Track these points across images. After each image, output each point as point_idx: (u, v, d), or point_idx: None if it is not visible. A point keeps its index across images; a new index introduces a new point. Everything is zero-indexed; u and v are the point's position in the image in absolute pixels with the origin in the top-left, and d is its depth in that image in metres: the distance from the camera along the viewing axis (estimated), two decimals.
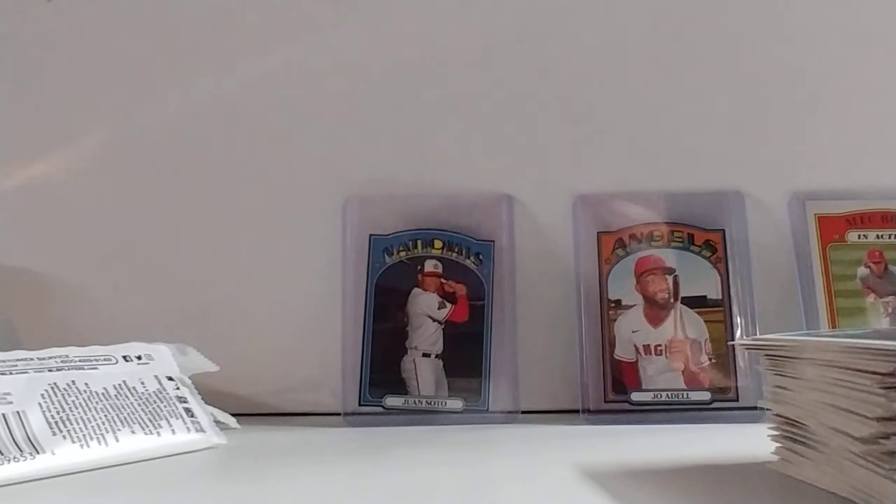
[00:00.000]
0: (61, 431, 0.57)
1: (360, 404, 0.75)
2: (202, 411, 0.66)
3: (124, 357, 0.66)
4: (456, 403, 0.75)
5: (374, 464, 0.60)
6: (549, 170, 0.81)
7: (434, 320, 0.77)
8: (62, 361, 0.62)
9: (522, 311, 0.78)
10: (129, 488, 0.54)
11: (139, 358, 0.67)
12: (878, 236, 0.77)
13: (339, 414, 0.76)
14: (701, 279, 0.76)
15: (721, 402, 0.73)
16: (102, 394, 0.62)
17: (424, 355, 0.76)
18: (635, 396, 0.74)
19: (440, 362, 0.76)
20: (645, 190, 0.80)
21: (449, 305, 0.77)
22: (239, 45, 0.83)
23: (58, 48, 0.84)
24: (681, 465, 0.55)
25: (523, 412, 0.76)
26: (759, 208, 0.79)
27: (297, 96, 0.82)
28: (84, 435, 0.58)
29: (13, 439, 0.55)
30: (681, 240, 0.78)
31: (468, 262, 0.79)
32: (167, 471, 0.58)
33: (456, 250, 0.79)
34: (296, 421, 0.78)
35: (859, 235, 0.77)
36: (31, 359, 0.61)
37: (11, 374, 0.59)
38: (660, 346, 0.75)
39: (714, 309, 0.76)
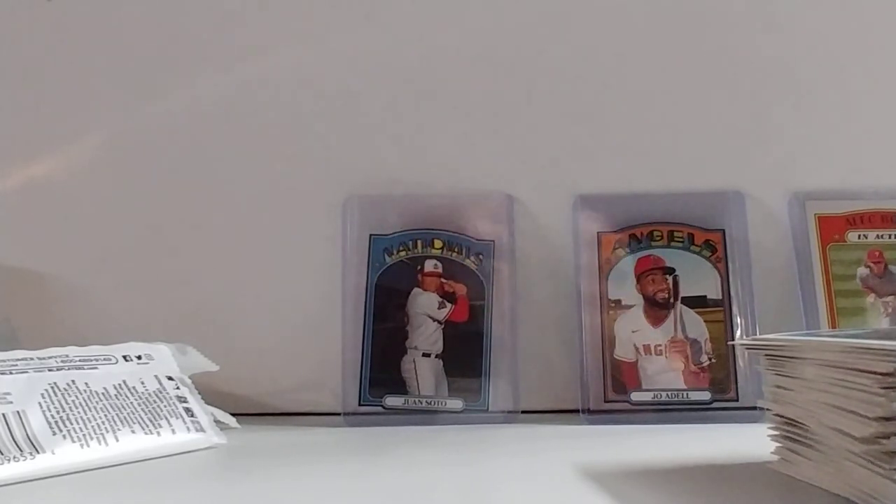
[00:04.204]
0: (61, 431, 0.57)
1: (360, 404, 0.75)
2: (202, 411, 0.66)
3: (124, 357, 0.66)
4: (456, 403, 0.75)
5: (374, 464, 0.60)
6: (549, 170, 0.81)
7: (434, 320, 0.77)
8: (62, 361, 0.62)
9: (522, 311, 0.78)
10: (129, 488, 0.54)
11: (139, 358, 0.67)
12: (878, 236, 0.77)
13: (339, 414, 0.76)
14: (701, 279, 0.76)
15: (721, 401, 0.73)
16: (102, 393, 0.62)
17: (424, 355, 0.76)
18: (635, 396, 0.74)
19: (440, 362, 0.76)
20: (645, 190, 0.80)
21: (449, 305, 0.77)
22: (239, 45, 0.83)
23: (58, 48, 0.84)
24: (680, 465, 0.55)
25: (523, 412, 0.76)
26: (760, 208, 0.79)
27: (298, 96, 0.82)
28: (84, 435, 0.58)
29: (13, 439, 0.55)
30: (681, 240, 0.78)
31: (468, 262, 0.79)
32: (167, 471, 0.58)
33: (456, 250, 0.79)
34: (296, 421, 0.78)
35: (859, 235, 0.77)
36: (31, 358, 0.61)
37: (11, 373, 0.59)
38: (660, 345, 0.75)
39: (714, 309, 0.76)
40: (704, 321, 0.75)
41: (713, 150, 0.81)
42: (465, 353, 0.76)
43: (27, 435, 0.56)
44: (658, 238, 0.78)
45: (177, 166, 0.83)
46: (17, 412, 0.57)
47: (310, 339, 0.80)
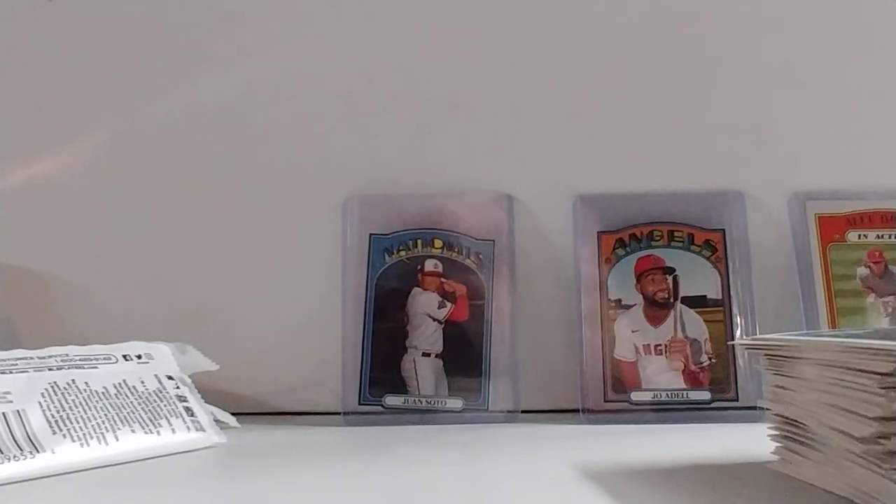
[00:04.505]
0: (61, 430, 0.57)
1: (360, 403, 0.76)
2: (202, 410, 0.66)
3: (124, 356, 0.66)
4: (456, 403, 0.75)
5: (374, 464, 0.60)
6: (549, 170, 0.81)
7: (434, 320, 0.77)
8: (62, 360, 0.62)
9: (522, 311, 0.78)
10: (129, 487, 0.54)
11: (139, 357, 0.67)
12: (878, 236, 0.77)
13: (339, 413, 0.76)
14: (701, 279, 0.76)
15: (721, 401, 0.73)
16: (102, 393, 0.62)
17: (424, 355, 0.76)
18: (635, 396, 0.74)
19: (440, 362, 0.76)
20: (645, 190, 0.80)
21: (449, 305, 0.77)
22: (239, 44, 0.83)
23: (58, 48, 0.84)
24: (680, 464, 0.55)
25: (523, 412, 0.76)
26: (760, 208, 0.79)
27: (297, 96, 0.82)
28: (84, 434, 0.58)
29: (13, 438, 0.55)
30: (681, 240, 0.78)
31: (468, 262, 0.79)
32: (167, 470, 0.58)
33: (456, 250, 0.79)
34: (296, 420, 0.78)
35: (859, 235, 0.77)
36: (31, 358, 0.61)
37: (11, 373, 0.59)
38: (660, 345, 0.75)
39: (714, 309, 0.76)
40: (704, 321, 0.75)
41: (713, 150, 0.81)
42: (465, 353, 0.76)
43: (27, 434, 0.56)
44: (658, 238, 0.78)
45: (177, 166, 0.83)
46: (18, 411, 0.57)
47: (310, 338, 0.80)
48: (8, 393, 0.58)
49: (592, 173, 0.81)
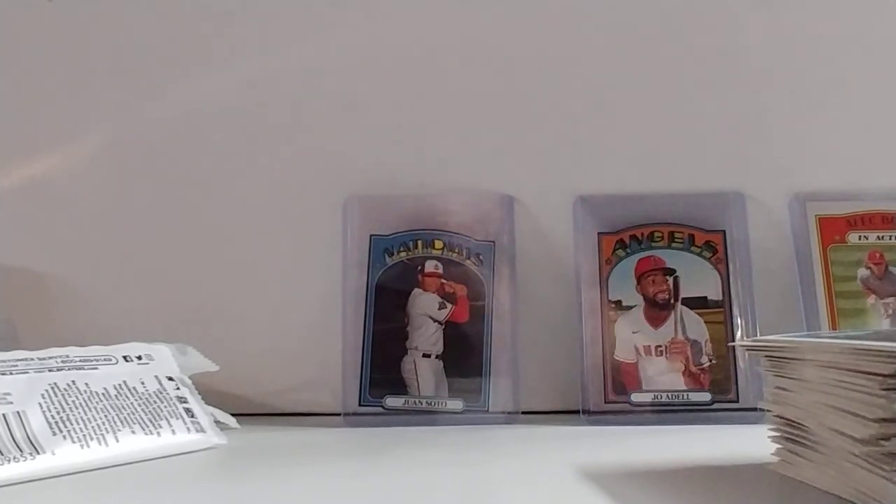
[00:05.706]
0: (61, 431, 0.57)
1: (360, 404, 0.75)
2: (202, 411, 0.66)
3: (124, 357, 0.66)
4: (456, 404, 0.75)
5: (374, 464, 0.60)
6: (549, 170, 0.81)
7: (434, 321, 0.77)
8: (62, 361, 0.62)
9: (523, 312, 0.78)
10: (129, 488, 0.54)
11: (139, 358, 0.67)
12: (878, 237, 0.77)
13: (339, 414, 0.76)
14: (701, 280, 0.76)
15: (721, 403, 0.73)
16: (102, 394, 0.62)
17: (425, 356, 0.76)
18: (635, 397, 0.74)
19: (440, 363, 0.76)
20: (645, 191, 0.80)
21: (449, 306, 0.77)
22: (239, 44, 0.83)
23: (58, 48, 0.84)
24: (681, 465, 0.55)
25: (523, 413, 0.76)
26: (760, 209, 0.79)
27: (298, 96, 0.82)
28: (84, 435, 0.58)
29: (13, 439, 0.55)
30: (681, 240, 0.78)
31: (468, 263, 0.79)
32: (167, 471, 0.58)
33: (456, 251, 0.79)
34: (296, 421, 0.78)
35: (860, 236, 0.77)
36: (32, 359, 0.61)
37: (11, 374, 0.59)
38: (660, 346, 0.75)
39: (714, 310, 0.75)
40: (705, 322, 0.75)
41: (713, 150, 0.81)
42: (466, 354, 0.76)
43: (27, 435, 0.56)
44: (658, 239, 0.78)
45: (177, 166, 0.83)
46: (18, 412, 0.57)
47: (310, 339, 0.80)
48: (8, 394, 0.58)
49: (592, 174, 0.81)
